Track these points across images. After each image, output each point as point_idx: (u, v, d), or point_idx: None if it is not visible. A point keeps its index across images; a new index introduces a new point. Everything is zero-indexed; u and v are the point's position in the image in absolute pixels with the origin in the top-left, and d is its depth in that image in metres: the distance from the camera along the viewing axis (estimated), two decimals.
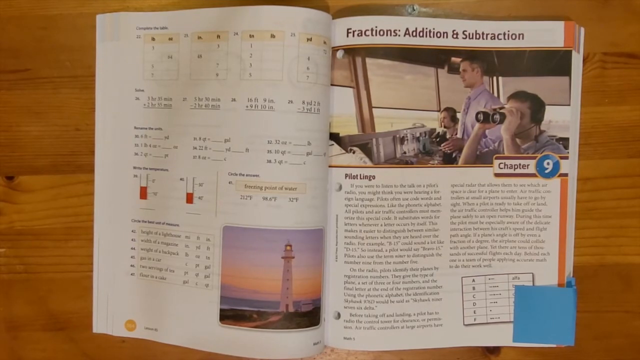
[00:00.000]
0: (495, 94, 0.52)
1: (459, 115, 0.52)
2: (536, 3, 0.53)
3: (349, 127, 0.51)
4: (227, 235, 0.50)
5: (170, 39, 0.52)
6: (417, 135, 0.52)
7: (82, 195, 0.54)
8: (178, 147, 0.51)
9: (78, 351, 0.54)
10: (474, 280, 0.52)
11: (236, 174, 0.50)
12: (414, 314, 0.52)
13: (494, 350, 0.54)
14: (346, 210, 0.51)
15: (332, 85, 0.51)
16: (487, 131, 0.52)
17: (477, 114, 0.52)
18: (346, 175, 0.52)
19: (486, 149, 0.52)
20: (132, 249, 0.53)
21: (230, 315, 0.50)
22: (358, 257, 0.51)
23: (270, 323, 0.49)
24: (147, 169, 0.52)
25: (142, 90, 0.52)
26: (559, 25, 0.52)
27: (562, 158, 0.52)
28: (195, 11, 0.51)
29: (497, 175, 0.52)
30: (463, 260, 0.52)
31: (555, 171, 0.52)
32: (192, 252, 0.51)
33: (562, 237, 0.52)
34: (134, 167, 0.53)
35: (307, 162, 0.50)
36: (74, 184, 0.54)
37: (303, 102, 0.49)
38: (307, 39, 0.49)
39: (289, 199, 0.49)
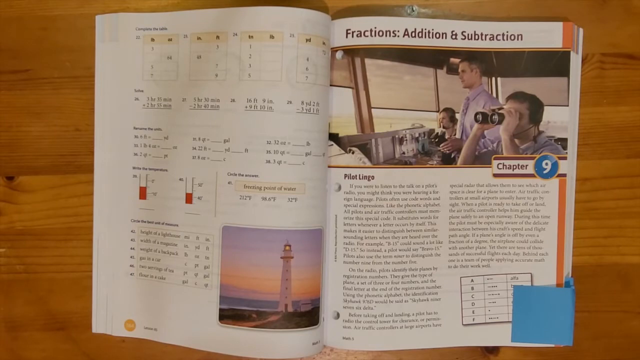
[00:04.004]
0: (494, 95, 0.52)
1: (457, 116, 0.52)
2: (535, 4, 0.53)
3: (348, 128, 0.52)
4: (227, 235, 0.50)
5: (170, 39, 0.52)
6: (416, 135, 0.52)
7: (82, 196, 0.54)
8: (177, 148, 0.52)
9: (78, 351, 0.54)
10: (472, 280, 0.53)
11: (235, 174, 0.50)
12: (413, 314, 0.52)
13: (493, 350, 0.54)
14: (345, 211, 0.52)
15: (331, 85, 0.51)
16: (485, 132, 0.52)
17: (476, 114, 0.52)
18: (345, 176, 0.52)
19: (485, 150, 0.52)
20: (131, 249, 0.53)
21: (230, 315, 0.50)
22: (357, 257, 0.52)
23: (270, 323, 0.50)
24: (146, 169, 0.52)
25: (142, 91, 0.52)
26: (558, 26, 0.52)
27: (560, 158, 0.52)
28: (194, 12, 0.51)
29: (495, 175, 0.52)
30: (462, 261, 0.52)
31: (553, 171, 0.52)
32: (192, 252, 0.51)
33: (561, 237, 0.52)
34: (134, 168, 0.53)
35: (306, 163, 0.50)
36: (74, 184, 0.54)
37: (302, 103, 0.49)
38: (306, 40, 0.49)
39: (288, 199, 0.49)
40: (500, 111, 0.52)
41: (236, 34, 0.50)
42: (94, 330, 0.54)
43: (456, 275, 0.52)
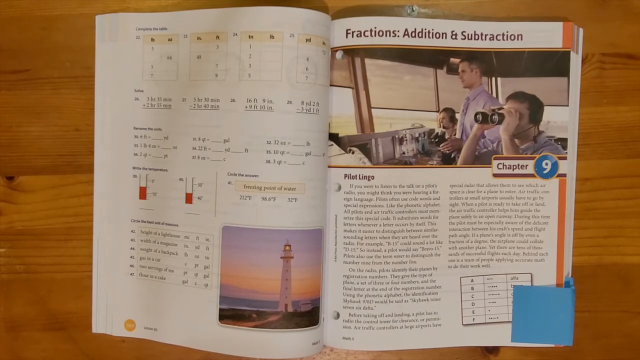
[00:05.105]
0: (494, 95, 0.52)
1: (457, 116, 0.52)
2: (535, 4, 0.53)
3: (348, 128, 0.52)
4: (226, 235, 0.50)
5: (170, 39, 0.52)
6: (416, 135, 0.52)
7: (82, 196, 0.54)
8: (177, 148, 0.52)
9: (78, 351, 0.55)
10: (472, 280, 0.53)
11: (235, 174, 0.50)
12: (413, 314, 0.52)
13: (493, 350, 0.54)
14: (345, 211, 0.52)
15: (331, 85, 0.51)
16: (485, 132, 0.52)
17: (476, 114, 0.52)
18: (345, 176, 0.52)
19: (485, 150, 0.52)
20: (131, 249, 0.53)
21: (230, 315, 0.50)
22: (357, 257, 0.52)
23: (269, 323, 0.50)
24: (146, 169, 0.52)
25: (142, 91, 0.52)
26: (558, 26, 0.52)
27: (560, 158, 0.52)
28: (194, 12, 0.51)
29: (495, 175, 0.52)
30: (462, 261, 0.52)
31: (553, 171, 0.52)
32: (192, 252, 0.51)
33: (561, 237, 0.52)
34: (134, 168, 0.53)
35: (306, 163, 0.50)
36: (74, 184, 0.54)
37: (302, 103, 0.49)
38: (306, 40, 0.49)
39: (288, 199, 0.49)
40: (500, 111, 0.52)
41: (236, 34, 0.50)
42: (94, 330, 0.54)
43: (456, 275, 0.53)
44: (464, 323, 0.53)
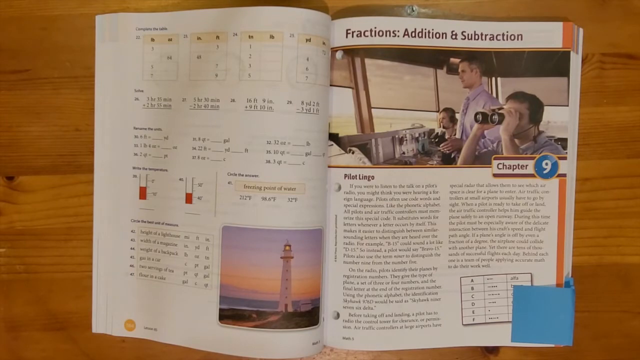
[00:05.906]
0: (494, 95, 0.52)
1: (457, 116, 0.52)
2: (535, 4, 0.53)
3: (348, 128, 0.52)
4: (226, 235, 0.50)
5: (170, 39, 0.52)
6: (416, 135, 0.52)
7: (82, 196, 0.54)
8: (177, 148, 0.52)
9: (78, 351, 0.55)
10: (472, 280, 0.53)
11: (235, 174, 0.50)
12: (413, 314, 0.52)
13: (493, 350, 0.54)
14: (345, 211, 0.52)
15: (331, 85, 0.51)
16: (485, 132, 0.52)
17: (476, 114, 0.52)
18: (345, 176, 0.52)
19: (485, 150, 0.52)
20: (131, 249, 0.53)
21: (230, 315, 0.50)
22: (357, 257, 0.52)
23: (269, 323, 0.50)
24: (146, 169, 0.52)
25: (142, 91, 0.52)
26: (558, 26, 0.52)
27: (560, 158, 0.52)
28: (194, 12, 0.51)
29: (495, 175, 0.52)
30: (462, 261, 0.52)
31: (553, 172, 0.52)
32: (192, 252, 0.51)
33: (561, 237, 0.52)
34: (134, 168, 0.53)
35: (306, 163, 0.50)
36: (74, 184, 0.54)
37: (302, 103, 0.49)
38: (306, 40, 0.49)
39: (288, 199, 0.49)
40: (500, 111, 0.52)
41: (236, 34, 0.50)
42: (94, 330, 0.54)
43: (456, 275, 0.53)
44: (464, 323, 0.53)
